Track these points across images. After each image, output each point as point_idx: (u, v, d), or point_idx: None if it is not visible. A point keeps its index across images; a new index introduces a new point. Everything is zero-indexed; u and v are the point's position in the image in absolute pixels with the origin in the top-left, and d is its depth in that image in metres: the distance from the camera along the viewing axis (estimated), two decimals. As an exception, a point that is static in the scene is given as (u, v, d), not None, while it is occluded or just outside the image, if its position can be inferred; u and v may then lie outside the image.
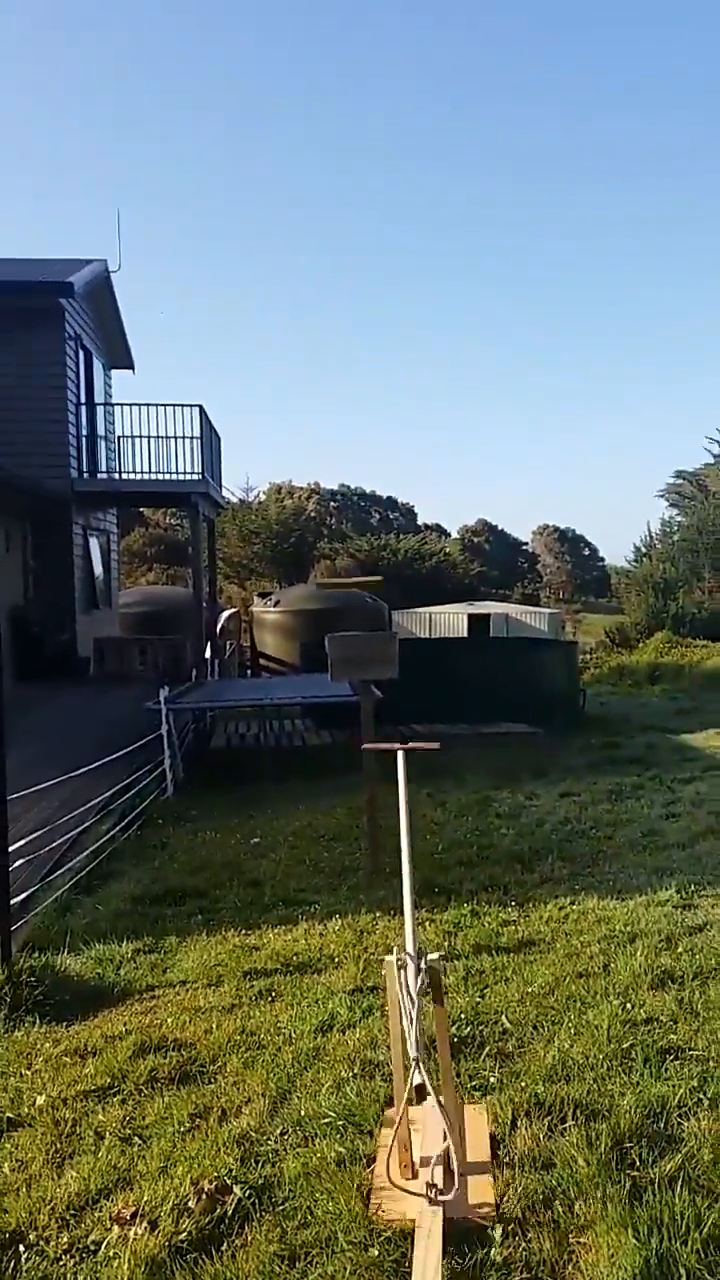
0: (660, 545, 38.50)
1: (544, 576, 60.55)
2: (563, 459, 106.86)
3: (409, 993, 2.80)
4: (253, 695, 13.92)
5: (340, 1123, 3.23)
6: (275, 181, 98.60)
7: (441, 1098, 3.01)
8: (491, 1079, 3.49)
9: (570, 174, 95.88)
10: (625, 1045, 3.67)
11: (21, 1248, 2.71)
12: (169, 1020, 4.24)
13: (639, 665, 25.22)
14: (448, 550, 49.71)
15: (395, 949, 3.01)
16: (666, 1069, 3.50)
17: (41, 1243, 2.75)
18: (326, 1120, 3.25)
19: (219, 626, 20.23)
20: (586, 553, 66.05)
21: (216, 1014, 4.27)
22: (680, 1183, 2.78)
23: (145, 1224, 2.75)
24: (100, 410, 18.95)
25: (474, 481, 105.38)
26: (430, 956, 2.91)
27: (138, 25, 76.06)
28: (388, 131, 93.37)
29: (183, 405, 16.95)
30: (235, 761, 12.26)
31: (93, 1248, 2.71)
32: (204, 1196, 2.84)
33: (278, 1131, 3.23)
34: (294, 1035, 3.97)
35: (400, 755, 3.76)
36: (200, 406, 17.00)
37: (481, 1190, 2.86)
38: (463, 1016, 4.00)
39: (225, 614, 23.02)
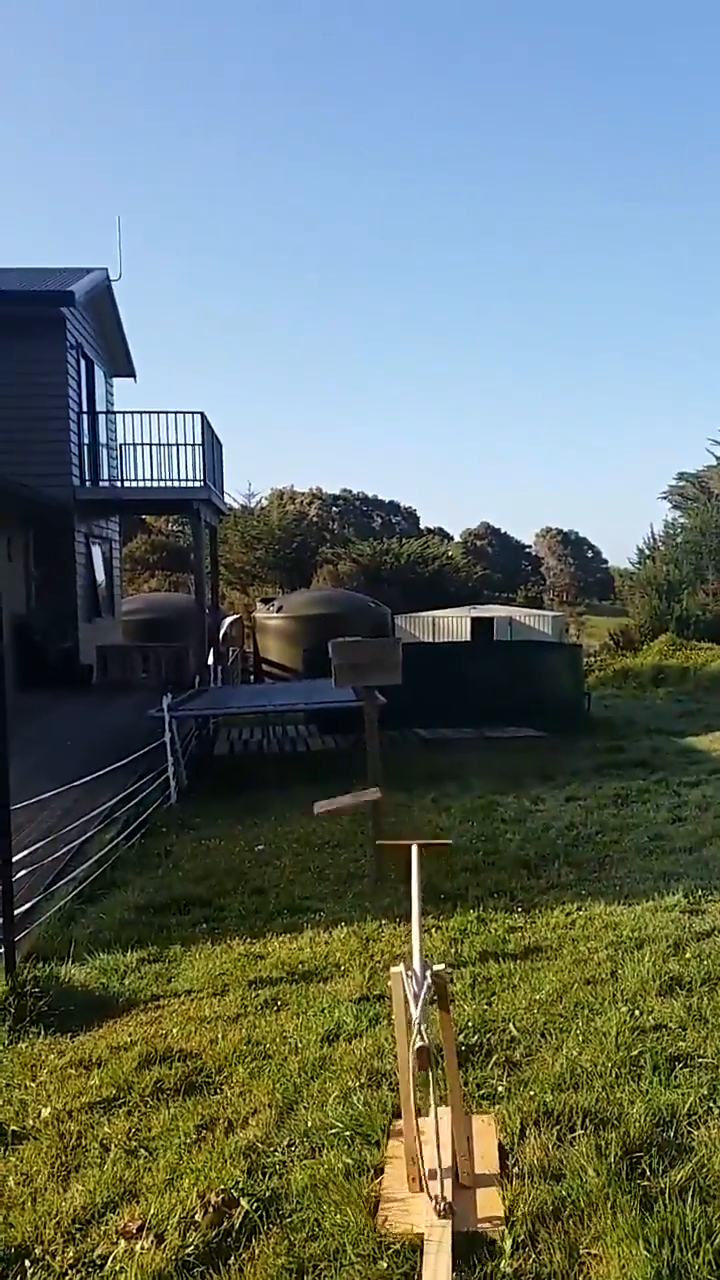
0: (664, 547, 38.40)
1: (547, 579, 60.49)
2: (565, 461, 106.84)
3: (415, 997, 2.78)
4: (256, 701, 13.89)
5: (347, 1133, 3.21)
6: (277, 188, 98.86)
7: (449, 1108, 2.99)
8: (500, 1088, 3.46)
9: (571, 180, 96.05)
10: (634, 1053, 3.64)
11: (27, 1262, 2.69)
12: (174, 1030, 4.21)
13: (643, 668, 25.16)
14: (450, 554, 49.67)
15: (404, 964, 2.99)
16: (676, 1077, 3.47)
17: (47, 1257, 2.72)
18: (334, 1131, 3.23)
19: (222, 633, 20.21)
20: (590, 555, 65.97)
21: (222, 1024, 4.25)
22: (691, 1193, 2.75)
23: (151, 1238, 2.73)
24: (102, 418, 18.97)
25: (476, 485, 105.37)
26: (436, 967, 2.89)
27: (138, 28, 76.29)
28: (395, 136, 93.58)
29: (184, 413, 16.97)
30: (239, 768, 12.24)
31: (99, 1262, 2.69)
32: (211, 1209, 2.82)
33: (285, 1143, 3.20)
34: (300, 1045, 3.94)
35: (414, 851, 4.00)
36: (202, 413, 17.02)
37: (490, 1202, 2.83)
38: (469, 1024, 3.97)
39: (228, 620, 23.01)
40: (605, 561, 63.31)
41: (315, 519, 53.15)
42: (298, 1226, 2.77)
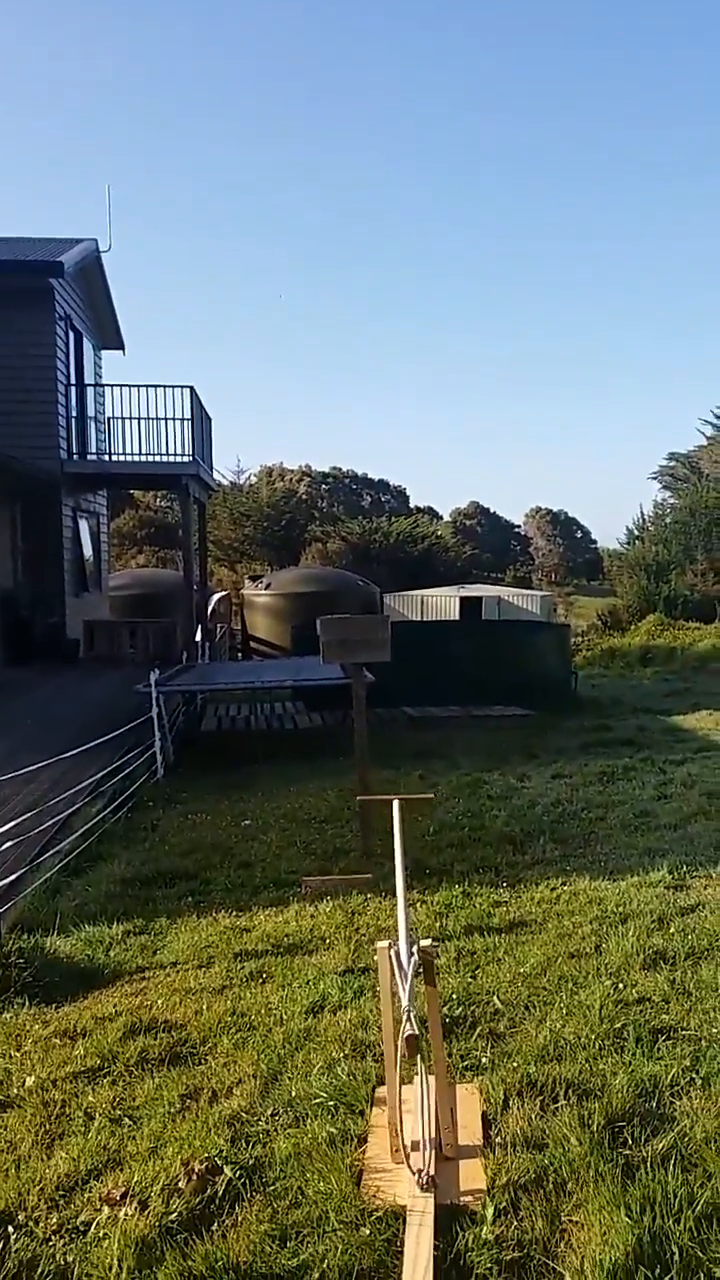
0: (653, 528, 38.43)
1: (536, 559, 60.51)
2: (556, 441, 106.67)
3: (402, 969, 2.78)
4: (243, 678, 13.88)
5: (331, 1103, 3.21)
6: (268, 162, 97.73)
7: (433, 1079, 3.00)
8: (483, 1059, 3.48)
9: (567, 165, 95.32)
10: (618, 1025, 3.66)
11: (10, 1228, 2.69)
12: (159, 1001, 4.22)
13: (631, 648, 25.25)
14: (439, 533, 49.60)
15: (391, 941, 2.99)
16: (659, 1049, 3.49)
17: (31, 1223, 2.73)
18: (318, 1101, 3.24)
19: (209, 609, 20.13)
20: (579, 535, 66.02)
21: (207, 995, 4.25)
22: (673, 1161, 2.77)
23: (135, 1204, 2.73)
24: (90, 391, 18.79)
25: (466, 464, 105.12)
26: (423, 942, 2.89)
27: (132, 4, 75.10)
28: (390, 112, 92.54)
29: (173, 387, 16.82)
30: (226, 744, 12.23)
31: (82, 1228, 2.69)
32: (194, 1177, 2.83)
33: (268, 1112, 3.21)
34: (285, 1016, 3.95)
35: (395, 806, 4.02)
36: (191, 388, 16.87)
37: (473, 1173, 2.85)
38: (454, 997, 3.98)
39: (216, 597, 22.92)
40: (594, 542, 63.36)
41: (304, 496, 52.94)
42: (281, 1194, 2.78)
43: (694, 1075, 3.29)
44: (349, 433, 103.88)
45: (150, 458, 16.97)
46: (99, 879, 6.28)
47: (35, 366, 16.09)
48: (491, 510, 64.13)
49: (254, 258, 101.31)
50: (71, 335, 17.63)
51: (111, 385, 18.03)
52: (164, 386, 16.81)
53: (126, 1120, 3.25)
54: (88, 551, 18.69)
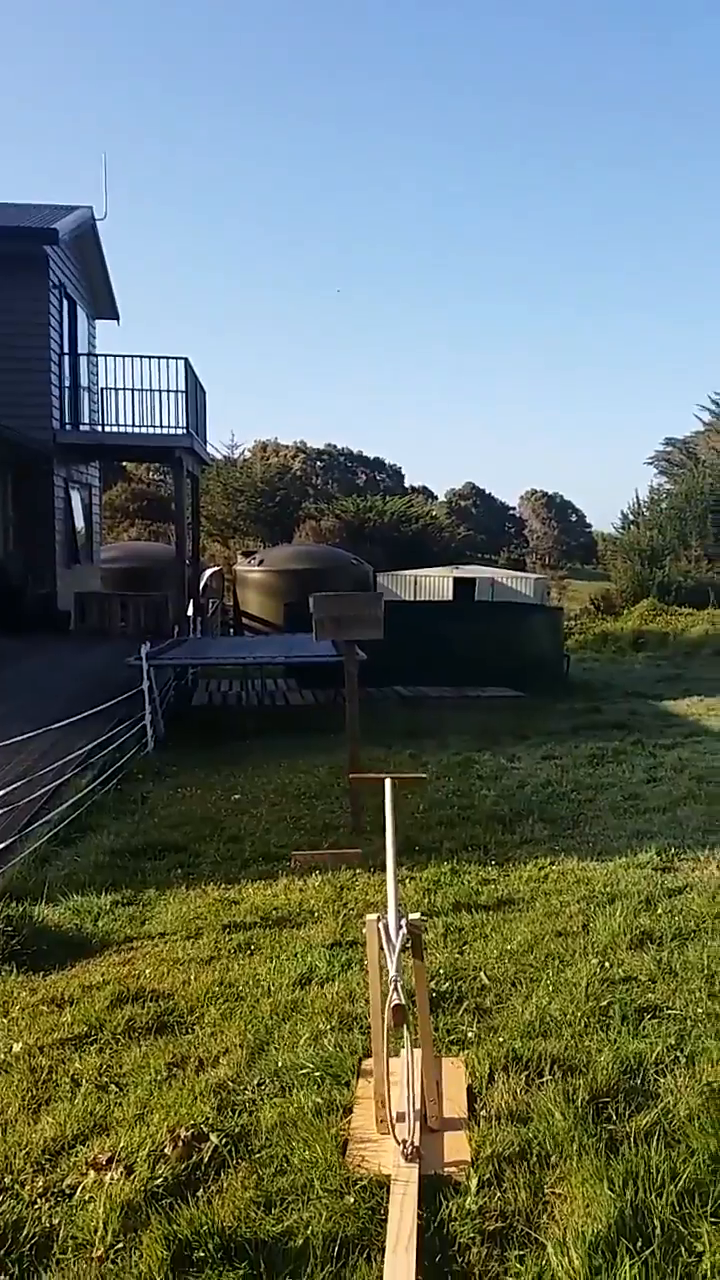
0: (648, 513, 38.41)
1: (531, 542, 60.39)
2: (552, 424, 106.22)
3: (390, 941, 2.79)
4: (236, 653, 13.85)
5: (318, 1074, 3.23)
6: (262, 131, 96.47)
7: (419, 1051, 3.01)
8: (470, 1034, 3.50)
9: (566, 140, 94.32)
10: (604, 1003, 3.69)
11: (-4, 1192, 2.70)
12: (147, 971, 4.22)
13: (623, 632, 25.29)
14: (434, 513, 49.43)
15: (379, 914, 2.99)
16: (644, 1027, 3.51)
17: (17, 1186, 2.74)
18: (304, 1071, 3.25)
19: (202, 584, 20.07)
20: (574, 519, 65.86)
21: (195, 966, 4.26)
22: (656, 1137, 2.79)
23: (121, 1169, 2.74)
24: (84, 361, 18.61)
25: (462, 445, 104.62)
26: (412, 916, 2.90)
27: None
28: (397, 87, 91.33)
29: (168, 358, 16.67)
30: (216, 719, 12.22)
31: (68, 1191, 2.70)
32: (180, 1143, 2.84)
33: (255, 1081, 3.22)
34: (272, 988, 3.96)
35: (388, 785, 4.04)
36: (186, 359, 16.73)
37: (458, 1145, 2.86)
38: (441, 972, 4.00)
39: (208, 572, 22.84)
40: (589, 525, 63.23)
41: (299, 473, 52.71)
42: (266, 1162, 2.79)
43: (678, 1054, 3.32)
44: (344, 410, 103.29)
45: (144, 429, 16.85)
46: (88, 849, 6.28)
47: (28, 334, 15.92)
48: (487, 491, 63.94)
49: (251, 233, 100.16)
50: (65, 304, 17.45)
51: (105, 355, 17.86)
52: (158, 357, 16.67)
53: (113, 1087, 3.26)
54: (79, 523, 18.59)
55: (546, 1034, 3.46)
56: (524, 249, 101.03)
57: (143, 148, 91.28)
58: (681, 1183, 2.58)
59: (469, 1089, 3.14)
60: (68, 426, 17.20)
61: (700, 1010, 3.63)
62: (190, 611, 17.23)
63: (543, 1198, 2.60)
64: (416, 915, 2.93)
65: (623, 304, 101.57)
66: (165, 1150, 2.82)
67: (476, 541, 49.72)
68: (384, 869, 3.30)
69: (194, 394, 17.42)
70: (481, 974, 4.01)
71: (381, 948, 2.89)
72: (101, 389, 17.69)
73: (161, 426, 16.80)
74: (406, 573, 29.99)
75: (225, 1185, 2.69)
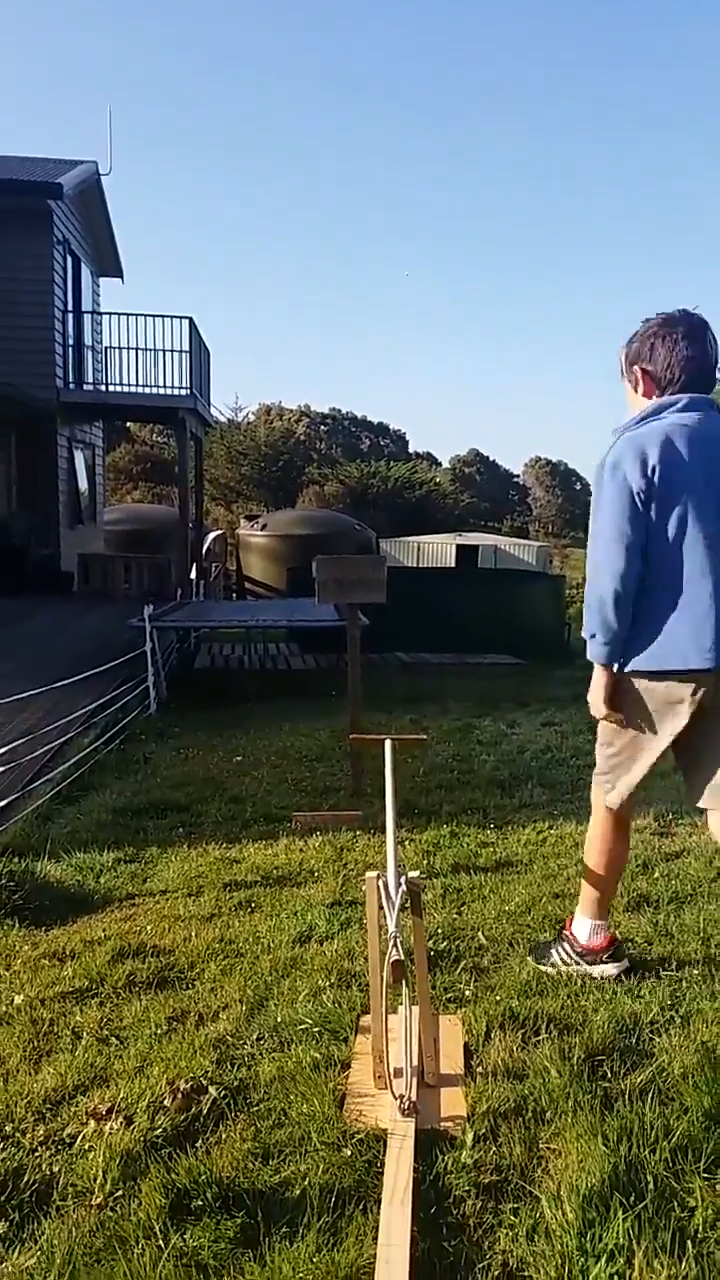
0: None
1: (534, 510, 60.21)
2: (558, 391, 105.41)
3: (389, 898, 2.80)
4: (238, 616, 13.85)
5: (316, 1029, 3.26)
6: (269, 89, 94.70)
7: (417, 1008, 3.04)
8: (467, 992, 3.52)
9: (577, 112, 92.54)
10: (600, 964, 3.70)
11: (-3, 1139, 2.73)
12: (148, 927, 4.26)
13: (625, 601, 25.21)
14: (438, 480, 49.21)
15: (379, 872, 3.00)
16: (640, 987, 3.54)
17: (18, 1135, 2.77)
18: (303, 1027, 3.28)
19: (205, 548, 20.01)
20: (578, 487, 65.52)
21: (196, 923, 4.29)
22: (651, 1095, 2.82)
23: (121, 1120, 2.78)
24: (88, 319, 18.41)
25: (467, 411, 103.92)
26: (411, 874, 2.90)
27: None
28: (401, 48, 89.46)
29: (173, 317, 16.50)
30: (219, 682, 12.24)
31: (68, 1140, 2.74)
32: (179, 1095, 2.87)
33: (254, 1036, 3.25)
34: (272, 945, 3.99)
35: (388, 746, 4.01)
36: (190, 319, 16.56)
37: (454, 1101, 2.89)
38: (440, 932, 4.02)
39: (211, 535, 22.76)
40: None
41: (303, 437, 52.40)
42: (264, 1115, 2.82)
43: (674, 1014, 3.34)
44: (349, 373, 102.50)
45: (148, 389, 16.72)
46: (91, 808, 6.31)
47: (32, 291, 15.74)
48: (491, 459, 63.67)
49: (257, 195, 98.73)
50: (69, 260, 17.23)
51: (110, 314, 17.68)
52: (163, 316, 16.51)
53: (114, 1040, 3.30)
54: (83, 484, 18.50)
55: (543, 993, 3.48)
56: (534, 217, 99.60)
57: (146, 108, 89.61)
58: (675, 1139, 2.61)
59: (466, 1046, 3.17)
60: (71, 385, 17.06)
61: (696, 972, 3.65)
62: (193, 575, 17.20)
63: (537, 1152, 2.63)
64: (415, 873, 2.94)
65: (630, 271, 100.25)
66: (165, 1102, 2.85)
67: (480, 509, 49.54)
68: (384, 831, 3.31)
69: (198, 354, 17.26)
70: (480, 934, 4.03)
71: (381, 905, 2.90)
72: (105, 348, 17.53)
73: (165, 387, 16.67)
74: (409, 539, 29.92)
75: (223, 1137, 2.72)
